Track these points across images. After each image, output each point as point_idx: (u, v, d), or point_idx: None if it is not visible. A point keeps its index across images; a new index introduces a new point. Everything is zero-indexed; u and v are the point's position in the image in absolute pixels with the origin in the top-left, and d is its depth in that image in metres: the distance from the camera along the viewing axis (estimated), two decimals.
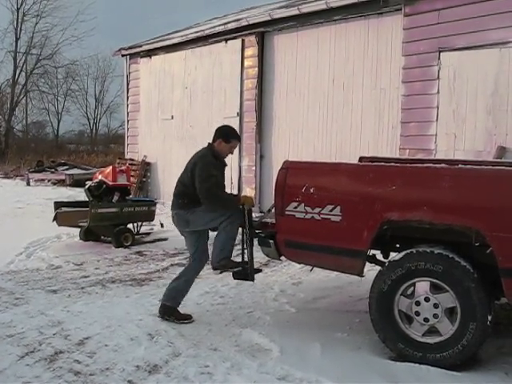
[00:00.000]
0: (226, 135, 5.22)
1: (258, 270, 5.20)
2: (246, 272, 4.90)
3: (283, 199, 4.45)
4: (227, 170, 5.42)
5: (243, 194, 5.47)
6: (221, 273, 5.43)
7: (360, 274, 4.31)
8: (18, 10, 32.92)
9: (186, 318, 4.95)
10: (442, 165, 4.27)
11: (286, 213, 4.44)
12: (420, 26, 8.65)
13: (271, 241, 4.66)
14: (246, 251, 4.89)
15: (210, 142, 5.23)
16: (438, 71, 8.46)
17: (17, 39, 33.25)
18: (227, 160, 5.33)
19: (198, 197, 4.94)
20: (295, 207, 4.39)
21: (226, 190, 5.25)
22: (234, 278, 5.10)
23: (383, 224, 4.03)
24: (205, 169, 4.97)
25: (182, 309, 5.19)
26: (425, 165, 4.26)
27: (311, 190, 4.32)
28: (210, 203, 4.94)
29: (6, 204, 12.92)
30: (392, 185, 4.04)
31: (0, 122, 33.08)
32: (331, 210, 4.23)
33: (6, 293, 5.71)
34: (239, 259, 4.99)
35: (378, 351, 4.18)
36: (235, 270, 4.98)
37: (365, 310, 4.55)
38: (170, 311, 4.97)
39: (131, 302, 5.44)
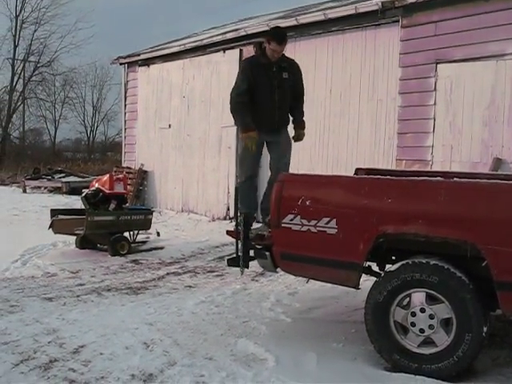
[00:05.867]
0: (267, 36, 5.47)
1: (252, 258, 5.00)
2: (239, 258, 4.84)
3: (279, 211, 4.45)
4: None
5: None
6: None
7: (356, 286, 4.30)
8: (16, 17, 33.06)
9: None
10: (438, 178, 4.29)
11: (282, 225, 4.44)
12: (417, 37, 8.71)
13: (267, 253, 4.66)
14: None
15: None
16: (435, 83, 8.51)
17: (15, 46, 33.33)
18: None
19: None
20: (291, 219, 4.38)
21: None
22: (228, 265, 5.09)
23: (379, 237, 4.04)
24: (239, 74, 5.41)
25: (179, 317, 5.19)
26: (420, 178, 4.27)
27: (307, 203, 4.33)
28: (231, 111, 5.41)
29: (2, 211, 12.90)
30: (388, 198, 4.06)
31: None
32: (327, 223, 4.23)
33: (1, 300, 5.69)
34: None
35: (373, 362, 4.17)
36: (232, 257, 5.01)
37: (360, 321, 4.55)
38: None
39: (127, 311, 5.43)
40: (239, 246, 4.80)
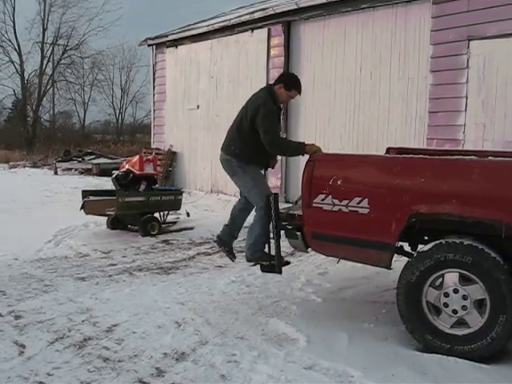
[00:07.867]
0: (288, 82, 5.16)
1: (287, 263, 5.11)
2: (273, 265, 4.89)
3: (310, 191, 4.43)
4: None
5: (269, 182, 5.40)
6: (254, 265, 5.37)
7: (388, 266, 4.27)
8: (44, 0, 33.20)
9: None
10: (472, 157, 4.22)
11: (314, 205, 4.42)
12: (449, 14, 8.52)
13: (298, 233, 4.65)
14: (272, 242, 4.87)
15: (271, 83, 5.21)
16: (468, 60, 8.33)
17: (44, 30, 33.58)
18: None
19: (249, 148, 5.00)
20: (323, 199, 4.37)
21: None
22: (262, 271, 5.10)
23: (411, 217, 3.99)
24: (268, 117, 4.93)
25: (210, 297, 5.23)
26: (454, 157, 4.20)
27: (339, 182, 4.30)
28: (278, 152, 5.06)
29: (35, 193, 13.13)
30: (421, 177, 4.00)
31: (28, 112, 33.46)
32: (359, 203, 4.20)
33: (35, 280, 5.81)
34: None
35: (405, 342, 4.16)
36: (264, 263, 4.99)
37: (392, 301, 4.53)
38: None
39: (158, 290, 5.49)
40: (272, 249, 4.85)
